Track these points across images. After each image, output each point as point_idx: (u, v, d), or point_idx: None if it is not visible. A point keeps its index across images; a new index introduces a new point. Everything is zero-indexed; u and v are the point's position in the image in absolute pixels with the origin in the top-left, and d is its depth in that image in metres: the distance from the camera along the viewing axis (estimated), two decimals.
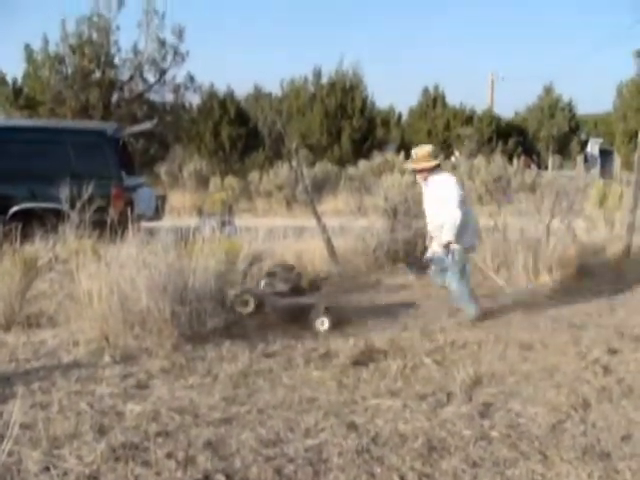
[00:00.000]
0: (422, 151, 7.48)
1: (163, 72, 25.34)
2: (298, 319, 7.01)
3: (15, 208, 10.85)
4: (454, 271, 7.42)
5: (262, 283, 7.30)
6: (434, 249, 7.54)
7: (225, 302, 6.95)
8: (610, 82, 62.94)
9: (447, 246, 7.25)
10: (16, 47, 36.68)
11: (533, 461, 4.03)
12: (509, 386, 5.36)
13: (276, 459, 4.00)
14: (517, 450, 4.18)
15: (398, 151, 30.04)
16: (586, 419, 4.70)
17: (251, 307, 6.92)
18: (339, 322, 7.04)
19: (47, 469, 3.78)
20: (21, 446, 3.98)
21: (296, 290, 7.31)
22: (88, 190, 9.34)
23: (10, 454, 3.62)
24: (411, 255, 8.45)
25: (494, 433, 4.44)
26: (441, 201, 7.27)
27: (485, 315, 7.52)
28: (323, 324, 6.95)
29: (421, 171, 7.45)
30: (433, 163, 7.39)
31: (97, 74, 24.41)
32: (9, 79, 26.14)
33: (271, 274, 7.39)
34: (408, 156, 7.87)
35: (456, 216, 7.12)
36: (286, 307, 7.11)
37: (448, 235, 7.19)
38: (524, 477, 3.84)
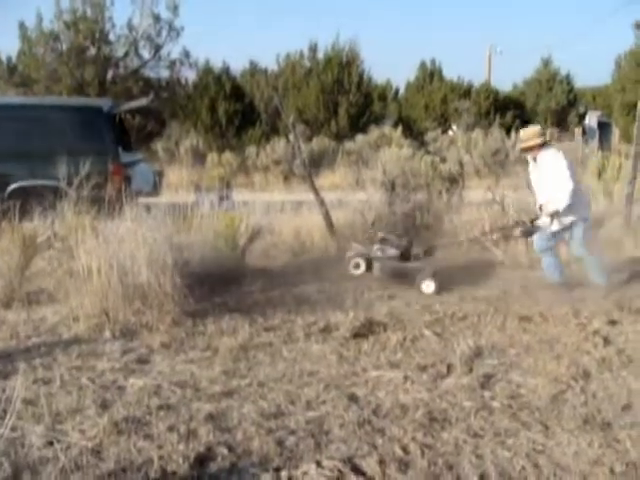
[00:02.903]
0: (528, 132, 7.80)
1: (158, 48, 25.20)
2: (405, 282, 7.61)
3: (13, 186, 10.80)
4: (581, 243, 7.67)
5: (374, 248, 7.75)
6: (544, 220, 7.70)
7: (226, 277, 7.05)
8: (608, 54, 62.70)
9: (553, 215, 7.51)
10: (10, 25, 36.41)
11: (534, 431, 4.05)
12: (509, 357, 5.38)
13: (277, 431, 4.02)
14: (518, 420, 4.20)
15: (395, 125, 29.89)
16: (586, 389, 4.73)
17: (362, 269, 7.58)
18: (445, 285, 7.57)
19: (50, 444, 3.79)
20: (24, 421, 4.00)
21: (406, 256, 7.78)
22: (85, 167, 9.30)
23: (13, 429, 3.63)
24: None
25: (495, 404, 4.46)
26: (551, 176, 7.51)
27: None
28: (429, 287, 7.50)
29: (530, 149, 7.72)
30: (539, 140, 7.65)
31: (92, 51, 24.27)
32: (3, 57, 26.01)
33: (384, 240, 7.82)
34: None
35: (569, 187, 7.34)
36: (395, 270, 7.67)
37: (558, 205, 7.43)
38: (525, 447, 3.86)
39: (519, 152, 8.42)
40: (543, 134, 7.82)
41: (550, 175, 7.54)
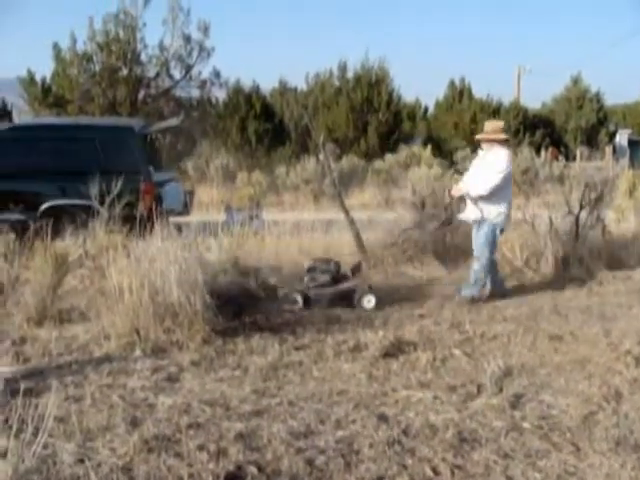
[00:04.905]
0: (493, 125, 8.13)
1: (189, 68, 25.47)
2: (344, 303, 7.52)
3: (45, 205, 10.94)
4: (487, 245, 7.85)
5: (305, 279, 7.70)
6: (468, 214, 8.04)
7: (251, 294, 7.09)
8: (639, 72, 62.32)
9: (465, 196, 7.96)
10: (44, 46, 36.95)
11: (565, 452, 4.01)
12: (540, 377, 5.33)
13: (307, 451, 4.01)
14: (549, 441, 4.17)
15: (424, 144, 29.88)
16: (618, 410, 4.67)
17: (299, 303, 7.37)
18: (384, 299, 7.59)
19: (81, 461, 3.82)
20: (55, 439, 4.03)
21: (337, 278, 7.79)
22: (117, 186, 9.41)
23: (45, 446, 3.65)
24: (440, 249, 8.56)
25: (525, 424, 4.42)
26: (488, 170, 7.81)
27: (479, 302, 7.82)
28: (370, 302, 7.52)
29: (491, 141, 7.96)
30: (502, 136, 7.98)
31: (124, 71, 24.61)
32: (38, 78, 26.41)
33: (311, 269, 7.80)
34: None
35: (494, 182, 7.66)
36: (331, 295, 7.57)
37: (479, 191, 7.76)
38: (556, 468, 3.82)
39: (477, 141, 8.51)
40: (506, 131, 8.22)
41: (487, 170, 7.80)
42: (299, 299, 7.41)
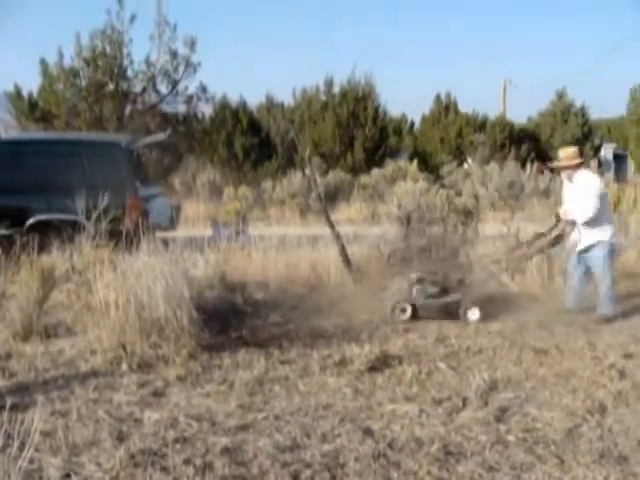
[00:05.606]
0: (566, 152, 8.12)
1: (175, 83, 25.46)
2: (450, 314, 7.72)
3: (32, 220, 10.90)
4: (606, 268, 7.83)
5: (414, 290, 7.83)
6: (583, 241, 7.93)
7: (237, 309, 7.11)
8: (624, 86, 62.70)
9: (571, 224, 7.87)
10: (31, 62, 36.97)
11: (550, 465, 4.04)
12: (525, 391, 5.37)
13: (293, 464, 4.03)
14: (533, 454, 4.20)
15: (411, 159, 29.94)
16: (602, 423, 4.71)
17: (408, 313, 7.68)
18: (488, 312, 7.73)
19: (67, 476, 3.83)
20: (42, 453, 4.03)
21: (444, 290, 7.93)
22: (104, 201, 9.39)
23: (31, 461, 3.65)
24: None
25: (510, 437, 4.45)
26: (582, 195, 7.81)
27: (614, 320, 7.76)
28: (474, 314, 7.71)
29: (566, 168, 8.02)
30: (576, 161, 7.98)
31: (110, 86, 24.56)
32: (25, 93, 26.39)
33: (420, 280, 7.91)
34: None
35: (593, 207, 7.66)
36: (438, 307, 7.82)
37: (579, 218, 7.77)
38: None
39: (556, 170, 8.63)
40: (580, 155, 8.14)
41: (581, 195, 7.82)
42: (409, 309, 7.65)
